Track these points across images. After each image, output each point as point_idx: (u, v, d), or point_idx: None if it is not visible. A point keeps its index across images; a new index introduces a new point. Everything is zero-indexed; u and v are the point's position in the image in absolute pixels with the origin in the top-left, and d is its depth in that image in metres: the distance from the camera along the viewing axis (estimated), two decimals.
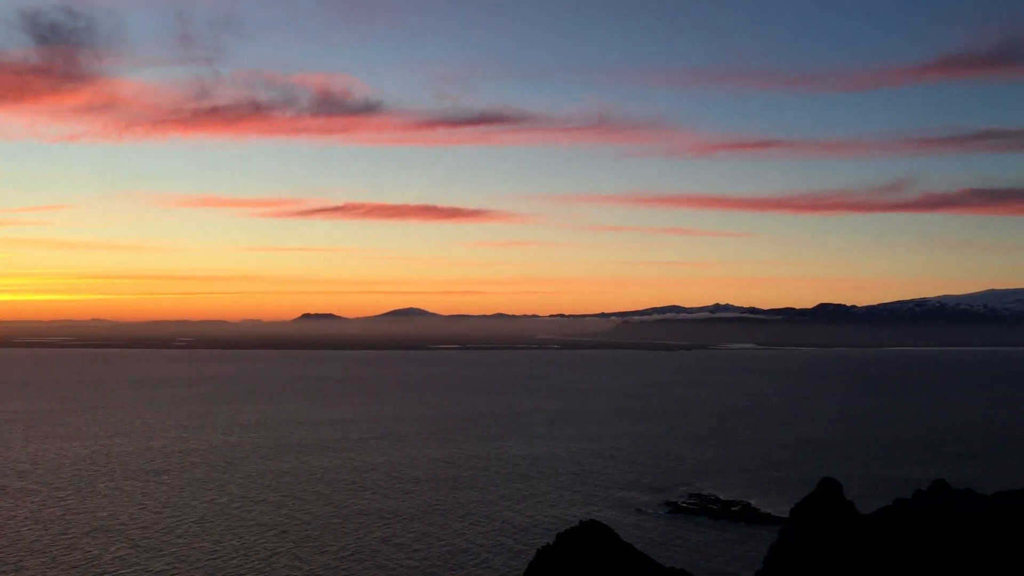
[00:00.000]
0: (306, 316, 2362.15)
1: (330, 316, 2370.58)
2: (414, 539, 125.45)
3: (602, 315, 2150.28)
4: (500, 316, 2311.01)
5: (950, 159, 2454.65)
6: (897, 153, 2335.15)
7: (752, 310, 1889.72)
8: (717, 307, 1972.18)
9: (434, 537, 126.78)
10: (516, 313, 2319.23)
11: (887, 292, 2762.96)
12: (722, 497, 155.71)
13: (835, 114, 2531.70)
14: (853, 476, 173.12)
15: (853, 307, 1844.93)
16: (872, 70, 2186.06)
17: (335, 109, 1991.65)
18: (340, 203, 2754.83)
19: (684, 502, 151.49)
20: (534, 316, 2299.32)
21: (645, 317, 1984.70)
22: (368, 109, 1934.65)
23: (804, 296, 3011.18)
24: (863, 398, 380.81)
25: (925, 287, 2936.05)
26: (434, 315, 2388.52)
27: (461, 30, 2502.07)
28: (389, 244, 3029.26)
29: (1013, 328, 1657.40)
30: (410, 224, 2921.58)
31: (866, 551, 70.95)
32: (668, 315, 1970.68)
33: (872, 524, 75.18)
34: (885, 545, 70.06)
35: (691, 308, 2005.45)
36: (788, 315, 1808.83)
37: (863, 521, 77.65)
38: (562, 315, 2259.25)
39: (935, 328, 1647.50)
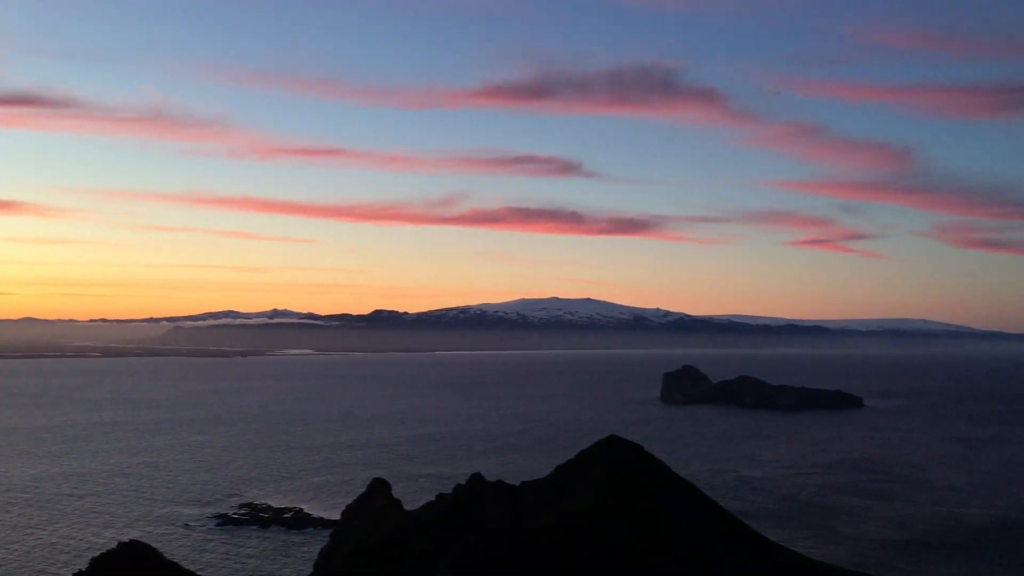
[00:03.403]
0: None
1: None
2: None
3: (151, 320, 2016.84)
4: (29, 320, 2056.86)
5: (493, 179, 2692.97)
6: (449, 170, 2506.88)
7: (310, 316, 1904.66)
8: (275, 312, 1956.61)
9: None
10: (49, 317, 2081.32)
11: (436, 300, 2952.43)
12: (274, 505, 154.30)
13: (396, 129, 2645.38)
14: (402, 475, 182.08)
15: (405, 314, 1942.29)
16: (430, 91, 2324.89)
17: None
18: None
19: (235, 513, 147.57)
20: (71, 321, 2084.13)
21: (199, 323, 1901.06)
22: None
23: (360, 303, 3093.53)
24: (413, 400, 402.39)
25: (468, 296, 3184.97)
26: None
27: None
28: None
29: (540, 333, 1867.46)
30: None
31: (409, 543, 74.51)
32: (224, 320, 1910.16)
33: (414, 518, 79.22)
34: (425, 535, 74.22)
35: (248, 313, 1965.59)
36: (345, 321, 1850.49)
37: (406, 516, 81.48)
38: (105, 320, 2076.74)
39: (476, 333, 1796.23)
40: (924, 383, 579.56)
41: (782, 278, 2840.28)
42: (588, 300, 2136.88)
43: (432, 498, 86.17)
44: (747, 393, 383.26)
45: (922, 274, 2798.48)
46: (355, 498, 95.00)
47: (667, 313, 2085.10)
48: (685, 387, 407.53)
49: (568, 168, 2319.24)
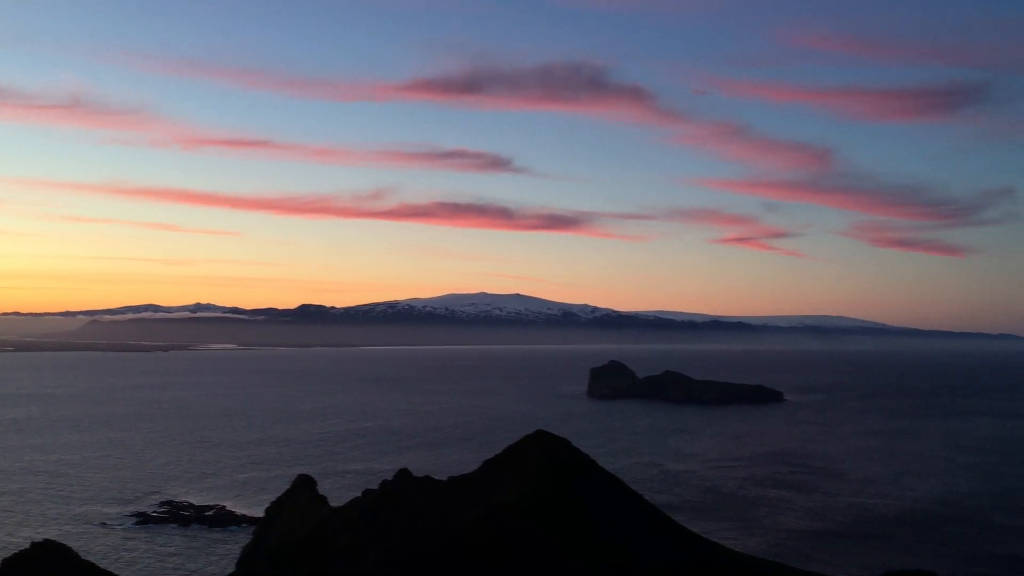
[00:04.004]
0: None
1: None
2: None
3: (67, 313, 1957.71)
4: None
5: (423, 173, 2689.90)
6: (378, 164, 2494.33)
7: (235, 310, 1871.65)
8: (198, 306, 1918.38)
9: None
10: None
11: (363, 294, 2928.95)
12: (196, 502, 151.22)
13: (324, 121, 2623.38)
14: (328, 471, 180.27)
15: (332, 308, 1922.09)
16: (359, 83, 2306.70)
17: None
18: None
19: (155, 511, 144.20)
20: None
21: (118, 316, 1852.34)
22: None
23: (287, 297, 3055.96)
24: (340, 395, 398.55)
25: (397, 290, 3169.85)
26: None
27: None
28: None
29: (469, 328, 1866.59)
30: None
31: (335, 539, 73.79)
32: (144, 314, 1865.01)
33: (340, 514, 78.49)
34: (351, 532, 73.58)
35: (170, 307, 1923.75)
36: (271, 315, 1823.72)
37: (332, 513, 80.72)
38: (18, 313, 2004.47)
39: (405, 328, 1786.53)
40: (841, 378, 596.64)
41: (707, 275, 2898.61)
42: (517, 296, 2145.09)
43: (358, 494, 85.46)
44: (672, 388, 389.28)
45: (840, 272, 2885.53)
46: (279, 495, 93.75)
47: (595, 309, 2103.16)
48: (612, 382, 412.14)
49: (498, 163, 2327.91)
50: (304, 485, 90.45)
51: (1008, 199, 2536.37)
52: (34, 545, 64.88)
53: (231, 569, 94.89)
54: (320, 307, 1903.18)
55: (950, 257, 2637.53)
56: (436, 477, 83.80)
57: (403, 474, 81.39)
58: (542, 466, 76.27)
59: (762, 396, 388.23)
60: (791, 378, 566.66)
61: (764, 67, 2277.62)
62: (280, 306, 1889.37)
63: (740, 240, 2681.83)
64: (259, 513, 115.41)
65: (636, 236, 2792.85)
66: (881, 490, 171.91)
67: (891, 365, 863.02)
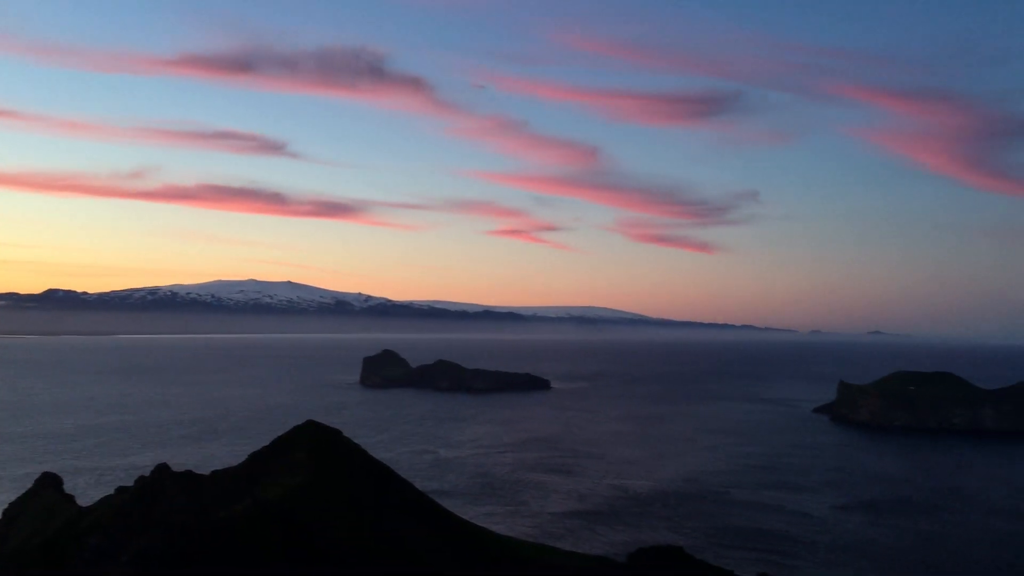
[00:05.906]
0: None
1: None
2: None
3: None
4: None
5: (189, 153, 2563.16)
6: (139, 141, 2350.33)
7: None
8: None
9: None
10: None
11: (120, 279, 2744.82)
12: None
13: (77, 92, 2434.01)
14: (77, 468, 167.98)
15: (84, 294, 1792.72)
16: (118, 54, 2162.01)
17: None
18: None
19: None
20: None
21: None
22: None
23: (31, 281, 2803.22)
24: (92, 387, 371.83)
25: (158, 276, 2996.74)
26: None
27: None
28: None
29: (237, 316, 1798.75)
30: None
31: (84, 540, 69.12)
32: None
33: (89, 514, 73.69)
34: (101, 532, 69.13)
35: None
36: (13, 300, 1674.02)
37: (80, 512, 75.67)
38: None
39: (167, 316, 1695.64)
40: (604, 366, 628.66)
41: (480, 266, 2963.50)
42: (289, 283, 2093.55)
43: (111, 492, 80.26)
44: (444, 377, 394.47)
45: (605, 265, 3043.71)
46: (20, 495, 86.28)
47: (368, 298, 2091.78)
48: (384, 371, 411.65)
49: (271, 147, 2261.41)
50: (48, 483, 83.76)
51: (752, 201, 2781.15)
52: None
53: None
54: (71, 292, 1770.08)
55: (702, 254, 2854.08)
56: (198, 472, 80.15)
57: (161, 469, 77.14)
58: (311, 457, 74.86)
59: (531, 384, 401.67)
60: (558, 367, 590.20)
61: (538, 65, 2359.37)
62: (23, 291, 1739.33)
63: (512, 232, 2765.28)
64: None
65: (411, 225, 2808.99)
66: (637, 471, 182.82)
67: (648, 354, 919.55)
